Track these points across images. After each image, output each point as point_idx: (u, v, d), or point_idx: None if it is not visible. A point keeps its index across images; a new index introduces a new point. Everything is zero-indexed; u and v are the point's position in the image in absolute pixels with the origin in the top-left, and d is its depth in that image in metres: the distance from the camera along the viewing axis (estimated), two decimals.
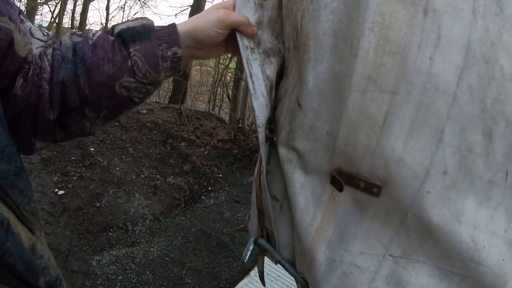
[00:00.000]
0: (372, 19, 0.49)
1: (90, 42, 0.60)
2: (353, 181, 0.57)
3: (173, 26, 0.63)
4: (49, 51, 0.57)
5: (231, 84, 7.04)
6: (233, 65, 7.45)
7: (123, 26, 0.61)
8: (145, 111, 5.17)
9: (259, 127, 0.65)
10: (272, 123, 0.71)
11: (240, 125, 5.34)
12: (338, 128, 0.56)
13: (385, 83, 0.50)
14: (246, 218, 3.66)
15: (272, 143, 0.72)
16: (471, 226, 0.52)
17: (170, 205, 3.47)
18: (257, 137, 0.68)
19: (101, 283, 2.51)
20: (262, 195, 0.74)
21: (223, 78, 8.05)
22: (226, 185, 4.30)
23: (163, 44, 0.61)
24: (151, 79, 0.62)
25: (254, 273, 2.88)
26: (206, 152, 4.68)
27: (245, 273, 2.89)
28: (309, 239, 0.66)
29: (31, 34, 0.56)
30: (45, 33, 0.59)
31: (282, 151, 0.67)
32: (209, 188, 4.10)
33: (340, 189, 0.58)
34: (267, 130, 0.70)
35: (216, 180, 4.27)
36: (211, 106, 8.55)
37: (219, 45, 0.69)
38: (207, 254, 3.03)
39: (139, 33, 0.60)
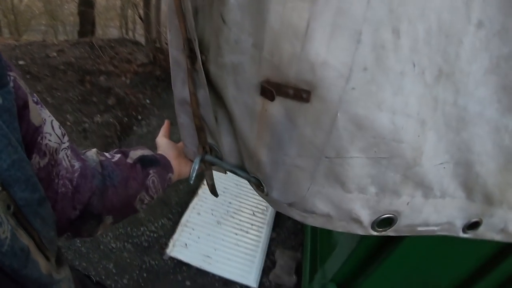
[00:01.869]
0: None
1: (113, 160, 0.73)
2: (282, 90, 0.61)
3: (165, 158, 0.84)
4: (68, 152, 0.62)
5: (141, 3, 6.48)
6: None
7: (140, 153, 0.78)
8: (54, 54, 4.59)
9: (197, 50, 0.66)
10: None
11: (157, 45, 5.06)
12: (262, 39, 0.58)
13: None
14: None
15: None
16: (390, 112, 0.61)
17: (104, 145, 3.38)
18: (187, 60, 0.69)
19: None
20: (202, 112, 0.76)
21: None
22: (155, 109, 4.24)
23: (165, 170, 0.82)
24: (157, 194, 0.81)
25: (202, 190, 2.97)
26: (128, 81, 4.46)
27: (193, 192, 2.97)
28: (252, 144, 0.72)
29: (52, 125, 0.59)
30: (63, 132, 0.63)
31: (213, 68, 0.68)
32: (139, 117, 4.02)
33: (272, 98, 0.62)
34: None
35: (144, 107, 4.17)
36: (124, 31, 7.91)
37: None
38: None
39: (152, 161, 0.79)
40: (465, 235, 0.90)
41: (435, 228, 0.86)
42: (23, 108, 0.52)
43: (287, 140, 0.68)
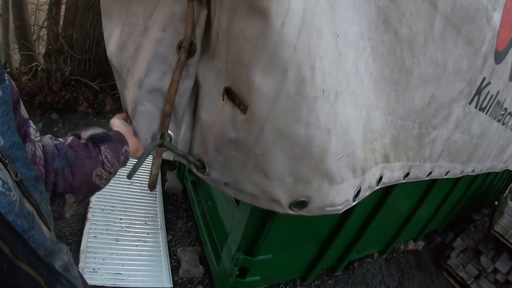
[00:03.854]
0: None
1: (66, 143, 0.81)
2: (233, 97, 0.83)
3: (119, 133, 0.93)
4: (39, 144, 0.71)
5: None
6: None
7: (90, 133, 0.87)
8: None
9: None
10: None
11: (8, 70, 4.58)
12: (228, 60, 0.80)
13: (249, 36, 0.74)
14: None
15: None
16: (305, 125, 0.86)
17: None
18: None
19: None
20: (178, 99, 0.92)
21: None
22: None
23: (119, 145, 0.90)
24: (114, 168, 0.88)
25: (91, 214, 2.97)
26: None
27: (83, 219, 2.95)
28: (206, 131, 0.93)
29: (30, 123, 0.67)
30: (36, 129, 0.71)
31: (201, 68, 0.88)
32: None
33: (223, 98, 0.84)
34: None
35: None
36: None
37: None
38: None
39: (103, 137, 0.88)
40: (355, 202, 1.29)
41: (340, 207, 1.19)
42: (17, 102, 0.60)
43: (227, 137, 0.89)
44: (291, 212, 1.06)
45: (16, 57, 5.28)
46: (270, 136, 0.85)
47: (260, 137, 0.86)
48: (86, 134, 0.87)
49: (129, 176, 0.90)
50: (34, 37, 5.46)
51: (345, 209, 1.23)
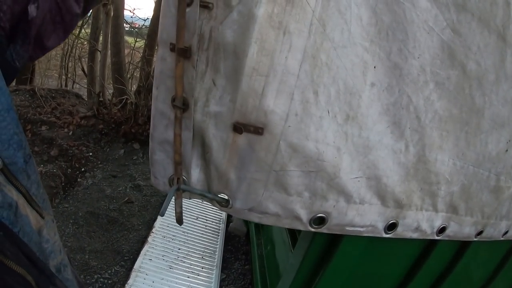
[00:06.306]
0: (256, 36, 0.84)
1: None
2: (247, 128, 0.93)
3: None
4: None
5: (86, 56, 6.56)
6: (84, 35, 6.89)
7: None
8: None
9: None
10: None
11: (101, 99, 5.19)
12: (236, 97, 0.91)
13: (262, 71, 0.87)
14: (127, 190, 3.78)
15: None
16: (315, 141, 0.95)
17: (50, 195, 3.39)
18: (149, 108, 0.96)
19: None
20: (183, 149, 1.02)
21: (74, 50, 7.46)
22: (99, 162, 4.32)
23: None
24: None
25: (152, 238, 3.11)
26: (70, 133, 4.55)
27: (143, 241, 3.10)
28: (224, 167, 1.00)
29: None
30: None
31: (198, 116, 0.97)
32: (83, 169, 4.08)
33: (240, 132, 0.94)
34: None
35: (87, 159, 4.25)
36: (63, 82, 7.86)
37: None
38: (102, 234, 3.14)
39: None
40: (387, 235, 1.24)
41: (361, 229, 1.17)
42: None
43: (248, 161, 0.97)
44: (312, 229, 1.09)
45: (109, 91, 5.91)
46: (285, 151, 0.95)
47: (278, 153, 0.95)
48: None
49: (161, 214, 1.00)
50: (128, 75, 6.10)
51: (371, 235, 1.20)
